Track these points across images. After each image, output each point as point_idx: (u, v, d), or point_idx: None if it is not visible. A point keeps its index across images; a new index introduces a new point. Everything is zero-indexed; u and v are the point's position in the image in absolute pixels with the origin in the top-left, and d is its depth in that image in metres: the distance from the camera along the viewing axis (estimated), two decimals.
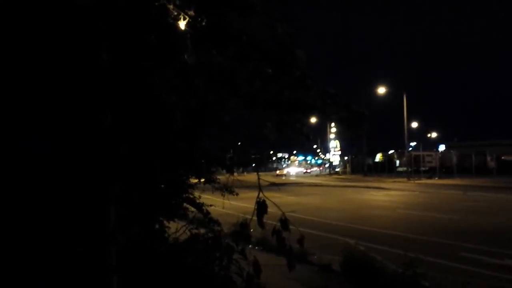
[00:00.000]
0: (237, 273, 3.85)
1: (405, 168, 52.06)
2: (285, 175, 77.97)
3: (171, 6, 2.46)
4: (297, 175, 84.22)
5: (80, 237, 2.53)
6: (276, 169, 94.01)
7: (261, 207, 3.03)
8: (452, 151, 57.17)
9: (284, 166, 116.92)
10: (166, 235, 4.24)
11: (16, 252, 2.40)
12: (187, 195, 4.50)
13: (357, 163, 71.00)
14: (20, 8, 2.33)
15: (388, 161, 62.00)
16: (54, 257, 2.47)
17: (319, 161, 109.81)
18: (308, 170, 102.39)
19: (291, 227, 3.02)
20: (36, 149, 2.40)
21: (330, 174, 77.26)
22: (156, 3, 2.42)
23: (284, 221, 3.03)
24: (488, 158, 51.99)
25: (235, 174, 4.39)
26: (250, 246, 5.90)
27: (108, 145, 2.53)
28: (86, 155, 2.51)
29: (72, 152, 2.49)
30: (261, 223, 3.03)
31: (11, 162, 2.38)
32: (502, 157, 51.07)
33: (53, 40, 2.39)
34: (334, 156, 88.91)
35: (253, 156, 4.39)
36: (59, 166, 2.46)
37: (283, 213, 3.03)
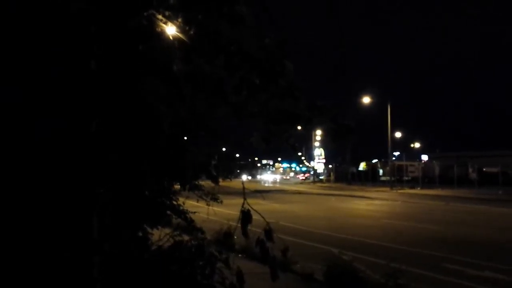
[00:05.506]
0: (220, 282, 3.82)
1: (388, 178, 52.42)
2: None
3: (159, 16, 2.45)
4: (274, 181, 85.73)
5: (64, 242, 2.49)
6: (254, 175, 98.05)
7: (246, 216, 3.02)
8: (434, 161, 57.68)
9: (268, 173, 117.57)
10: (149, 242, 4.19)
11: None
12: (171, 202, 4.45)
13: (341, 172, 71.37)
14: (16, 13, 2.32)
15: (372, 170, 62.30)
16: (40, 260, 2.43)
17: (304, 169, 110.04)
18: (303, 177, 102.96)
19: (274, 234, 3.01)
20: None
21: (314, 182, 77.42)
22: (145, 13, 2.41)
23: (268, 231, 3.02)
24: (470, 170, 52.58)
25: (221, 180, 4.35)
26: (233, 253, 5.88)
27: (93, 148, 2.51)
28: (72, 155, 2.48)
29: (58, 150, 2.46)
30: (245, 233, 3.01)
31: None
32: (484, 169, 51.66)
33: (43, 41, 2.37)
34: (319, 164, 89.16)
35: (239, 163, 4.38)
36: (47, 162, 2.43)
37: (267, 223, 3.02)
